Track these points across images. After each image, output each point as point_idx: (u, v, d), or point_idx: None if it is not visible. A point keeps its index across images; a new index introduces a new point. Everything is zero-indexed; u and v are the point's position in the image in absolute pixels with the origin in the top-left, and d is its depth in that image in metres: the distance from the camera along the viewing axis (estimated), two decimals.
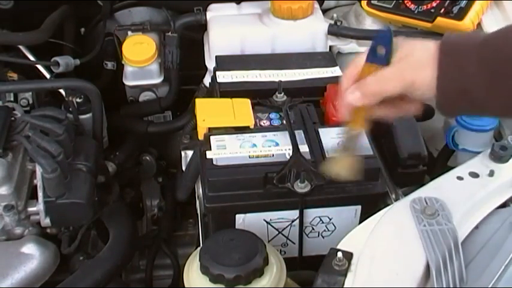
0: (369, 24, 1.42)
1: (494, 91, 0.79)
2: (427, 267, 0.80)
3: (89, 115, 1.31)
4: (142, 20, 1.50)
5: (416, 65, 0.83)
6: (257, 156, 1.05)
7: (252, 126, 1.12)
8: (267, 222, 1.05)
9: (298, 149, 1.04)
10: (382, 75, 0.85)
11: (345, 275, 0.80)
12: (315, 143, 1.07)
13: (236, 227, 1.04)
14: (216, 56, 1.32)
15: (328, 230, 1.07)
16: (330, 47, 1.38)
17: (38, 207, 1.12)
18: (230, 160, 1.04)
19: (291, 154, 1.04)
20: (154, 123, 1.52)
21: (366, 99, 0.86)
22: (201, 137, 1.12)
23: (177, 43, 1.45)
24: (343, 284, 0.79)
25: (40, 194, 1.11)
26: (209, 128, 1.11)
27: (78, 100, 1.30)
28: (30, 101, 1.33)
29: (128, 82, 1.45)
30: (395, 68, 0.85)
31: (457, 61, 0.80)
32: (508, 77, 0.78)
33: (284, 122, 1.14)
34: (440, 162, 1.29)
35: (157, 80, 1.45)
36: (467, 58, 0.80)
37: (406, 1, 1.31)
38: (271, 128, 1.12)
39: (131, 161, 1.53)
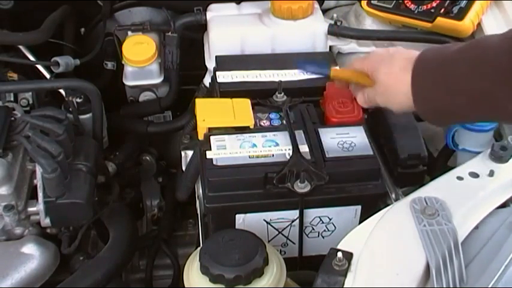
0: (369, 24, 1.42)
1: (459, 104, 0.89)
2: (427, 267, 0.80)
3: (89, 115, 1.31)
4: (142, 20, 1.49)
5: (390, 95, 0.99)
6: (257, 156, 1.05)
7: (252, 126, 1.12)
8: (267, 222, 1.05)
9: (298, 149, 1.04)
10: (363, 94, 1.06)
11: (345, 275, 0.80)
12: (315, 143, 1.07)
13: (236, 227, 1.04)
14: (216, 56, 1.32)
15: (328, 230, 1.07)
16: (330, 47, 1.38)
17: (38, 207, 1.12)
18: (230, 160, 1.04)
19: (291, 154, 1.04)
20: (154, 123, 1.52)
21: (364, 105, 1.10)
22: (201, 137, 1.12)
23: (177, 43, 1.45)
24: (343, 284, 0.79)
25: (40, 194, 1.11)
26: (209, 128, 1.11)
27: (78, 100, 1.30)
28: (30, 101, 1.33)
29: (128, 82, 1.45)
30: (373, 93, 1.03)
31: (427, 91, 0.92)
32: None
33: (284, 122, 1.14)
34: (440, 162, 1.29)
35: (157, 80, 1.45)
36: (435, 86, 0.91)
37: (406, 1, 1.31)
38: (271, 128, 1.12)
39: (131, 161, 1.53)
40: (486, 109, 0.86)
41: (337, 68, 1.05)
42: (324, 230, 1.07)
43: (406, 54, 0.97)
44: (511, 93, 0.81)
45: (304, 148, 1.05)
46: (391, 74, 0.97)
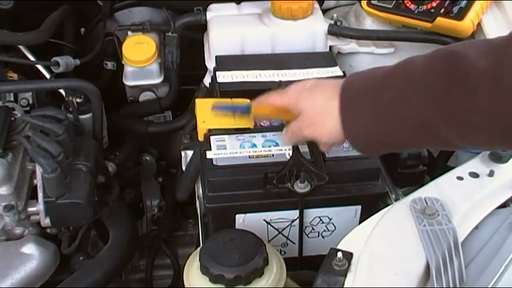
0: (369, 24, 1.41)
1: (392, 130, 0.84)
2: (427, 267, 0.80)
3: (89, 115, 1.31)
4: (142, 20, 1.49)
5: (318, 127, 0.92)
6: (257, 156, 1.05)
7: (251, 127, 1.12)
8: (267, 222, 1.05)
9: (298, 149, 1.04)
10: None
11: (345, 275, 0.80)
12: (315, 143, 1.07)
13: (236, 227, 1.04)
14: (216, 56, 1.32)
15: (328, 230, 1.07)
16: (330, 47, 1.38)
17: (38, 207, 1.12)
18: (230, 160, 1.04)
19: (291, 154, 1.04)
20: (154, 123, 1.52)
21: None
22: (201, 137, 1.12)
23: (177, 43, 1.45)
24: (343, 284, 0.79)
25: (40, 194, 1.11)
26: (209, 129, 1.11)
27: (78, 100, 1.30)
28: (30, 101, 1.33)
29: (128, 82, 1.45)
30: (298, 127, 0.96)
31: (357, 119, 0.86)
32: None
33: (284, 122, 1.14)
34: (440, 162, 1.29)
35: (157, 80, 1.45)
36: (365, 114, 0.85)
37: (406, 1, 1.31)
38: (271, 128, 1.12)
39: (131, 161, 1.53)
40: (418, 135, 0.82)
41: (257, 104, 1.02)
42: (324, 230, 1.07)
43: (329, 83, 0.92)
44: (441, 115, 0.77)
45: (304, 148, 1.05)
46: (315, 104, 0.91)
